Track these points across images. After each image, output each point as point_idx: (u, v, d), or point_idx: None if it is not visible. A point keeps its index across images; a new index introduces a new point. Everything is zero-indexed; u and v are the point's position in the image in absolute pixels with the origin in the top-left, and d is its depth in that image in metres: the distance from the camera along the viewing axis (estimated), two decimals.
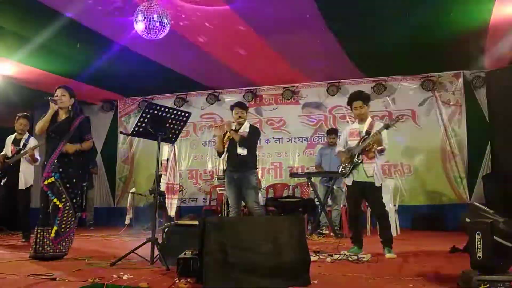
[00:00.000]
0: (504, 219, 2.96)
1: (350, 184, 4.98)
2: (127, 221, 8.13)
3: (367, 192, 4.92)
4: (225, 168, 5.50)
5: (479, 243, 2.97)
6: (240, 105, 5.52)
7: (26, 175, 6.40)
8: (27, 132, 6.51)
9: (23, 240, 6.31)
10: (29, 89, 8.78)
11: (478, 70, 8.09)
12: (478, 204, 3.19)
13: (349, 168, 4.93)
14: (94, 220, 9.27)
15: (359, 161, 4.85)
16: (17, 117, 6.50)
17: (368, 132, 4.86)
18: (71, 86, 7.96)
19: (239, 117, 5.39)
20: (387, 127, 4.82)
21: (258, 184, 7.86)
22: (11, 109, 7.74)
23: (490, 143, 8.00)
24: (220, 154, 5.55)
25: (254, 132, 5.52)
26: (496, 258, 2.91)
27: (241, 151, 5.24)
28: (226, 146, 5.43)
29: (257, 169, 5.61)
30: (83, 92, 9.24)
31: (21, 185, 6.32)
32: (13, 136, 6.53)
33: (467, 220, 3.16)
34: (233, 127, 5.40)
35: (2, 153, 6.44)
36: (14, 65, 7.58)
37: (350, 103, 5.09)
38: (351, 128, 5.15)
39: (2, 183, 6.26)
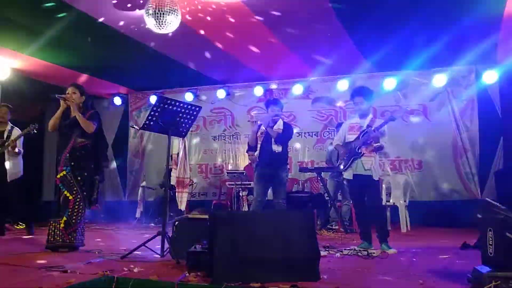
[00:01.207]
0: None
1: (351, 177, 4.98)
2: (137, 215, 8.19)
3: (366, 185, 4.92)
4: (257, 162, 5.52)
5: (490, 239, 2.94)
6: (275, 103, 5.61)
7: (13, 167, 6.30)
8: (9, 123, 6.43)
9: (28, 233, 6.34)
10: (41, 82, 8.83)
11: (491, 64, 7.98)
12: (490, 200, 3.15)
13: (350, 161, 4.93)
14: (104, 214, 9.33)
15: (360, 155, 4.86)
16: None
17: (369, 126, 4.87)
18: (82, 80, 8.11)
19: (275, 114, 5.46)
20: (392, 119, 4.82)
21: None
22: (23, 103, 7.80)
23: (502, 139, 7.91)
24: (253, 149, 5.70)
25: (289, 130, 5.61)
26: (508, 254, 2.88)
27: (276, 148, 5.33)
28: (260, 141, 5.49)
29: (288, 164, 5.71)
30: (94, 86, 9.33)
31: (9, 178, 6.24)
32: None
33: (479, 216, 3.14)
34: (269, 124, 5.44)
35: None
36: (26, 59, 7.64)
37: (352, 97, 5.15)
38: (351, 123, 5.16)
39: None
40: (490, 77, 7.94)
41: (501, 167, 7.79)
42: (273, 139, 5.35)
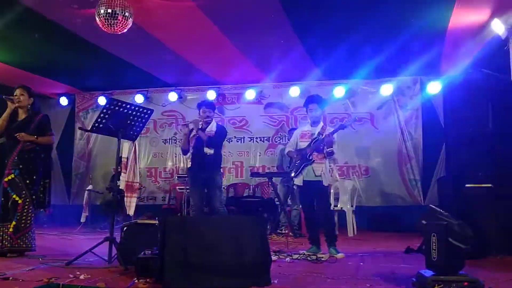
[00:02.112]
0: (458, 221, 3.08)
1: (301, 184, 5.06)
2: (83, 219, 7.94)
3: (315, 191, 5.02)
4: (189, 166, 5.42)
5: (434, 244, 3.07)
6: (207, 104, 5.51)
7: None
8: None
9: None
10: None
11: (435, 76, 8.34)
12: (434, 207, 3.29)
13: (301, 167, 5.00)
14: (47, 218, 8.94)
15: (310, 162, 4.94)
16: None
17: (320, 134, 4.98)
18: (28, 78, 7.77)
19: (207, 116, 5.36)
20: (342, 127, 4.96)
21: None
22: None
23: (444, 147, 8.27)
24: (185, 152, 5.52)
25: (221, 132, 5.50)
26: (450, 259, 3.02)
27: (208, 150, 5.20)
28: (192, 144, 5.38)
29: (221, 168, 5.61)
30: (40, 85, 8.95)
31: None
32: None
33: (423, 222, 3.26)
34: (200, 126, 5.34)
35: None
36: None
37: (306, 105, 5.24)
38: (303, 130, 5.26)
39: None
40: (434, 87, 8.30)
41: (443, 174, 8.14)
42: (204, 143, 5.25)
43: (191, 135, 5.37)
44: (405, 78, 8.59)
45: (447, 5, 5.63)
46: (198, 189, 5.32)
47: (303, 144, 5.08)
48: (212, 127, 5.37)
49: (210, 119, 5.39)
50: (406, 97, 8.70)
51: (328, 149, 4.89)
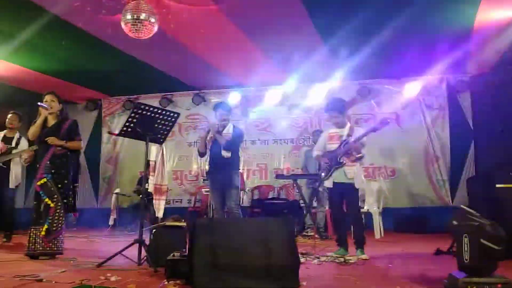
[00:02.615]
0: (490, 222, 3.02)
1: (331, 186, 5.02)
2: (111, 222, 8.06)
3: (346, 193, 4.97)
4: (207, 169, 5.47)
5: (466, 245, 3.02)
6: (224, 107, 5.48)
7: (16, 174, 6.33)
8: (18, 131, 6.43)
9: (4, 240, 6.18)
10: (12, 87, 8.65)
11: (462, 74, 8.20)
12: (465, 207, 3.23)
13: (330, 171, 4.96)
14: (76, 221, 9.13)
15: (341, 164, 4.89)
16: (9, 114, 6.47)
17: (349, 136, 4.91)
18: (55, 84, 7.96)
19: (223, 119, 5.35)
20: (374, 130, 4.86)
21: (242, 185, 7.85)
22: None
23: (473, 147, 8.13)
24: (202, 155, 5.52)
25: (239, 135, 5.48)
26: (483, 260, 2.96)
27: (226, 154, 5.18)
28: (209, 147, 5.38)
29: (240, 170, 5.61)
30: (67, 91, 9.15)
31: (11, 184, 6.25)
32: (2, 133, 6.42)
33: (455, 223, 3.21)
34: (217, 129, 5.33)
35: None
36: None
37: (327, 111, 5.18)
38: (331, 132, 5.18)
39: None
40: (461, 87, 8.15)
41: (471, 174, 8.00)
42: (221, 146, 5.21)
43: (208, 138, 5.37)
44: (431, 77, 8.46)
45: (473, 2, 5.55)
46: (217, 191, 5.34)
47: (332, 146, 5.02)
48: (229, 130, 5.35)
49: (226, 121, 5.38)
50: (432, 96, 8.58)
51: (357, 155, 4.83)
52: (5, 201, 6.24)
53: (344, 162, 4.88)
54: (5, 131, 6.44)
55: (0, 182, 6.21)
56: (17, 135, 6.38)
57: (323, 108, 8.67)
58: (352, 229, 5.01)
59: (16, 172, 6.34)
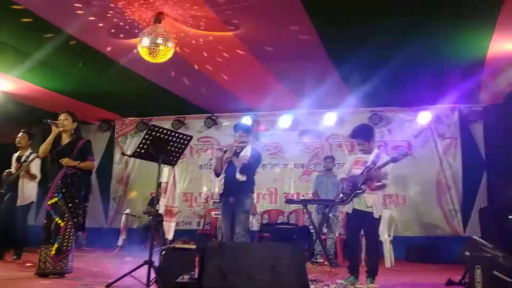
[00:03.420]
0: (503, 254, 2.99)
1: (350, 212, 4.98)
2: (120, 242, 8.05)
3: (364, 222, 4.91)
4: (221, 191, 5.27)
5: (478, 277, 2.99)
6: (244, 129, 5.36)
7: (26, 192, 6.34)
8: (29, 149, 6.51)
9: (14, 257, 6.20)
10: (28, 105, 8.81)
11: (474, 104, 8.20)
12: (477, 238, 3.21)
13: (351, 195, 4.93)
14: (85, 240, 9.14)
15: (361, 191, 4.86)
16: (19, 134, 6.56)
17: (373, 162, 4.87)
18: (69, 104, 8.09)
19: (242, 141, 5.21)
20: (394, 161, 4.84)
21: (253, 209, 7.83)
22: (10, 125, 7.73)
23: (485, 177, 8.06)
24: (218, 175, 5.34)
25: (256, 159, 5.28)
26: None
27: (240, 176, 5.04)
28: (224, 167, 5.22)
29: (253, 194, 5.52)
30: (81, 111, 9.27)
31: (19, 202, 6.27)
32: (17, 153, 6.56)
33: (467, 253, 3.18)
34: (234, 149, 5.19)
35: (8, 170, 6.47)
36: (13, 81, 7.61)
37: (353, 138, 5.19)
38: (357, 157, 5.14)
39: (5, 199, 6.29)
40: (473, 116, 8.15)
41: (484, 204, 7.92)
42: (237, 169, 5.07)
43: (224, 158, 5.21)
44: (443, 106, 8.47)
45: (486, 33, 5.59)
46: (227, 214, 5.16)
47: (356, 171, 4.95)
48: (246, 152, 5.18)
49: (245, 144, 5.25)
50: (444, 125, 8.57)
51: (377, 184, 4.78)
52: (15, 219, 6.25)
53: (364, 189, 4.85)
54: (19, 151, 6.55)
55: (11, 201, 6.26)
56: (27, 153, 6.44)
57: (335, 134, 8.96)
58: (366, 257, 4.95)
59: (26, 190, 6.35)
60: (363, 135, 5.04)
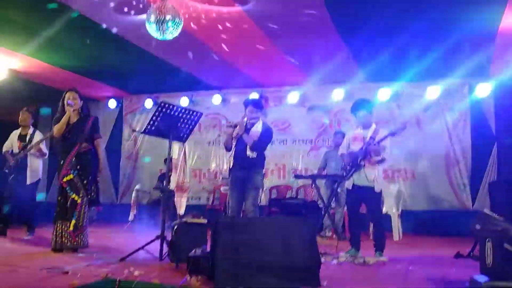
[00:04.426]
0: None
1: (350, 187, 5.02)
2: (130, 218, 8.17)
3: (366, 197, 4.96)
4: (230, 166, 5.19)
5: (489, 249, 3.01)
6: (255, 104, 5.25)
7: (34, 170, 6.42)
8: (31, 126, 6.55)
9: (28, 234, 6.32)
10: (36, 83, 8.82)
11: (485, 78, 8.11)
12: (488, 212, 3.23)
13: (351, 171, 4.97)
14: (97, 216, 9.27)
15: (362, 166, 4.89)
16: (21, 112, 6.57)
17: (372, 138, 4.89)
18: (78, 81, 8.11)
19: (253, 117, 5.14)
20: (392, 134, 4.86)
21: (262, 184, 7.86)
22: (19, 103, 7.75)
23: (495, 151, 8.03)
24: (228, 149, 5.26)
25: (268, 135, 5.21)
26: (506, 265, 2.95)
27: (250, 153, 4.98)
28: (235, 143, 5.13)
29: (263, 169, 5.49)
30: (89, 88, 9.32)
31: (29, 180, 6.35)
32: (18, 131, 6.56)
33: (477, 227, 3.20)
34: (245, 124, 5.11)
35: (6, 149, 6.47)
36: (22, 58, 7.60)
37: (354, 111, 5.15)
38: (355, 133, 5.17)
39: (12, 177, 6.30)
40: (483, 90, 8.06)
41: (492, 178, 7.91)
42: (248, 146, 5.00)
43: (234, 134, 5.11)
44: (453, 81, 8.35)
45: (499, 6, 5.48)
46: (236, 189, 5.09)
47: (355, 148, 5.00)
48: (257, 128, 5.10)
49: (256, 119, 5.15)
50: (454, 100, 8.48)
51: (376, 158, 4.82)
52: (24, 197, 6.32)
53: (364, 164, 4.88)
54: (20, 129, 6.55)
55: (20, 178, 6.30)
56: (30, 131, 6.48)
57: (343, 109, 8.91)
58: (372, 231, 5.00)
59: (34, 168, 6.42)
60: (365, 106, 5.05)
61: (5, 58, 7.58)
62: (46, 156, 6.50)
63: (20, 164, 6.34)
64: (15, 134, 6.56)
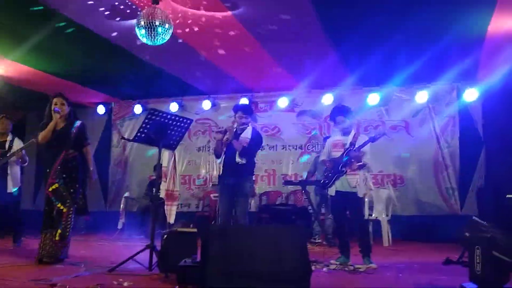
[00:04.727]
0: (502, 233, 3.02)
1: (333, 194, 5.04)
2: (119, 226, 8.10)
3: (349, 202, 4.98)
4: (220, 173, 5.17)
5: (478, 257, 3.02)
6: (244, 109, 5.27)
7: (14, 177, 6.29)
8: (10, 133, 6.39)
9: (14, 244, 6.21)
10: (23, 89, 8.72)
11: (473, 82, 8.19)
12: (477, 219, 3.24)
13: (333, 178, 4.98)
14: (85, 224, 9.17)
15: (343, 173, 4.91)
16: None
17: (352, 144, 4.92)
18: (66, 87, 8.03)
19: (243, 122, 5.13)
20: (372, 140, 4.90)
21: (252, 192, 7.83)
22: (5, 109, 7.66)
23: (483, 156, 8.10)
24: (218, 156, 5.24)
25: (257, 141, 5.21)
26: (495, 272, 2.96)
27: (240, 160, 4.96)
28: (224, 149, 5.12)
29: (253, 176, 5.48)
30: (78, 94, 9.23)
31: (10, 188, 6.20)
32: None
33: (466, 234, 3.22)
34: (234, 131, 5.09)
35: None
36: (9, 64, 7.52)
37: (332, 117, 5.19)
38: (335, 139, 5.20)
39: None
40: (471, 95, 8.13)
41: (481, 183, 7.97)
42: (237, 152, 4.98)
43: (224, 139, 5.09)
44: (441, 85, 8.44)
45: (487, 10, 5.52)
46: (226, 196, 5.09)
47: (336, 154, 5.04)
48: (247, 134, 5.09)
49: (246, 125, 5.15)
50: (442, 104, 8.55)
51: (357, 164, 4.84)
52: (7, 205, 6.21)
53: (345, 170, 4.90)
54: None
55: (2, 186, 6.14)
56: (9, 138, 6.32)
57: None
58: (358, 238, 5.01)
59: (14, 175, 6.28)
60: (344, 112, 5.07)
61: None
62: (26, 164, 6.35)
63: (1, 171, 6.17)
64: None
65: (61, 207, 4.59)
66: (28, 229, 6.54)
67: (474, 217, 3.31)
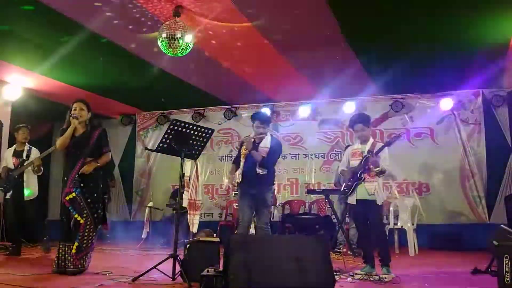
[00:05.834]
0: None
1: (354, 203, 4.97)
2: (144, 235, 8.15)
3: (368, 210, 4.91)
4: (239, 180, 5.09)
5: (507, 266, 2.94)
6: (261, 119, 5.16)
7: (31, 186, 6.38)
8: (27, 143, 6.48)
9: (43, 250, 6.31)
10: (50, 101, 8.92)
11: (498, 88, 8.03)
12: (505, 227, 3.16)
13: (353, 186, 4.93)
14: (110, 233, 9.27)
15: (361, 180, 4.86)
16: (17, 128, 6.52)
17: (370, 152, 4.87)
18: (91, 99, 8.18)
19: (260, 132, 5.07)
20: (388, 144, 4.86)
21: (274, 201, 7.81)
22: (32, 122, 7.84)
23: (511, 162, 7.91)
24: (237, 165, 5.19)
25: (276, 150, 5.16)
26: None
27: (260, 170, 4.95)
28: (243, 160, 5.08)
29: (274, 185, 5.45)
30: (103, 106, 9.41)
31: (26, 197, 6.28)
32: (12, 148, 6.52)
33: (495, 242, 3.14)
34: (252, 141, 5.05)
35: (3, 166, 6.41)
36: (36, 77, 7.72)
37: (351, 126, 5.14)
38: (354, 148, 5.15)
39: (7, 196, 6.26)
40: (497, 101, 7.97)
41: (509, 191, 7.78)
42: (257, 163, 4.95)
43: (243, 150, 5.09)
44: (466, 92, 8.32)
45: (511, 17, 5.45)
46: (246, 205, 5.04)
47: (355, 163, 4.99)
48: (266, 143, 5.05)
49: (264, 135, 5.07)
50: (467, 111, 8.41)
51: (375, 170, 4.79)
52: (26, 213, 6.27)
53: (364, 177, 4.85)
54: (14, 145, 6.50)
55: (18, 196, 6.24)
56: (27, 147, 6.40)
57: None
58: (377, 246, 4.93)
59: (30, 184, 6.35)
60: (363, 120, 5.02)
61: (19, 77, 7.71)
62: (41, 173, 6.40)
63: (20, 180, 6.28)
64: (9, 151, 6.51)
65: (78, 218, 4.41)
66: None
67: (502, 226, 3.23)
